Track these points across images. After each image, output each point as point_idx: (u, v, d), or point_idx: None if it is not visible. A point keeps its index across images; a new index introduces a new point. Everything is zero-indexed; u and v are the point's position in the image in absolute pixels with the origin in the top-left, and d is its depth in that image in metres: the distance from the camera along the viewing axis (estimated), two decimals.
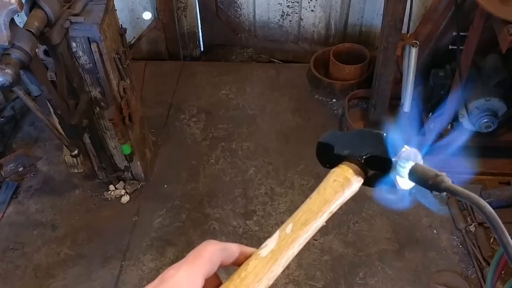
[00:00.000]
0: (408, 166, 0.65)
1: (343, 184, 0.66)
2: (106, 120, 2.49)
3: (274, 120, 3.32)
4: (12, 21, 1.76)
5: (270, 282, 0.59)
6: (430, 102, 2.98)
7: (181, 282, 0.53)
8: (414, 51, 2.70)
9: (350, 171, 0.67)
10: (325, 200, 0.64)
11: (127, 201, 2.86)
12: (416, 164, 0.66)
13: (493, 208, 0.59)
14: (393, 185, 0.67)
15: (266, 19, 3.74)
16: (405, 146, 0.66)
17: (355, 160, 0.68)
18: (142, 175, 2.91)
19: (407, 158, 0.65)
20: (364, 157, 0.67)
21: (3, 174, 2.96)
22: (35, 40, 1.86)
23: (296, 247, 0.61)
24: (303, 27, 3.73)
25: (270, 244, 0.60)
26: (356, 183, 0.67)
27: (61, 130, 2.28)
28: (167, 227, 2.74)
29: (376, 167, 0.67)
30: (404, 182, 0.67)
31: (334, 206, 0.65)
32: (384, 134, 0.67)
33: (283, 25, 3.75)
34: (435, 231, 2.68)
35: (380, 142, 0.67)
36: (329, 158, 0.71)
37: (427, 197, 0.69)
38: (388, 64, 2.69)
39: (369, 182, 0.69)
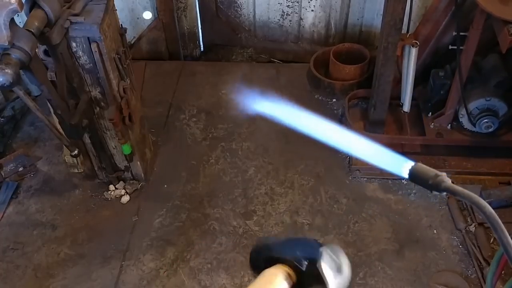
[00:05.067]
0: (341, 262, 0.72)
1: (274, 283, 0.71)
2: (106, 120, 2.49)
3: (274, 120, 3.31)
4: (12, 21, 1.76)
5: None
6: (430, 102, 2.98)
7: None
8: (414, 51, 2.70)
9: (281, 271, 0.73)
10: None
11: (127, 201, 2.86)
12: (416, 164, 0.66)
13: (493, 208, 0.59)
14: (323, 283, 0.71)
15: (266, 19, 3.74)
16: (328, 245, 0.73)
17: (286, 261, 0.74)
18: (142, 175, 2.91)
19: (328, 257, 0.71)
20: (292, 259, 0.73)
21: (3, 174, 2.96)
22: (35, 40, 1.87)
23: None
24: (303, 27, 3.73)
25: None
26: (286, 282, 0.72)
27: (61, 130, 2.28)
28: (167, 227, 2.74)
29: (304, 267, 0.73)
30: (331, 278, 0.71)
31: None
32: (314, 240, 0.75)
33: (283, 25, 3.75)
34: (435, 231, 2.68)
35: (308, 245, 0.74)
36: (262, 262, 0.77)
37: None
38: (388, 64, 2.69)
39: (301, 284, 0.74)
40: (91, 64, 2.27)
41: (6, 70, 1.72)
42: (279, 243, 0.77)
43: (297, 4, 3.60)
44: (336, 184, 2.91)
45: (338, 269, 0.71)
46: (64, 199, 2.89)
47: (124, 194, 2.88)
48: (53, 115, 2.33)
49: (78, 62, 2.26)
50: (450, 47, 2.72)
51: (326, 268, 0.69)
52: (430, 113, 2.99)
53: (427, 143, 2.97)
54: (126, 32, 2.49)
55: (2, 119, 3.31)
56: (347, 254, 2.46)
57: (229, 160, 3.08)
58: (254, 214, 2.78)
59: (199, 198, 2.88)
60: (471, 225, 2.65)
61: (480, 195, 2.67)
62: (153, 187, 2.95)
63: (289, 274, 0.72)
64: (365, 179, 2.93)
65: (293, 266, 0.72)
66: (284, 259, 0.73)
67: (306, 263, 0.72)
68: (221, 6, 3.73)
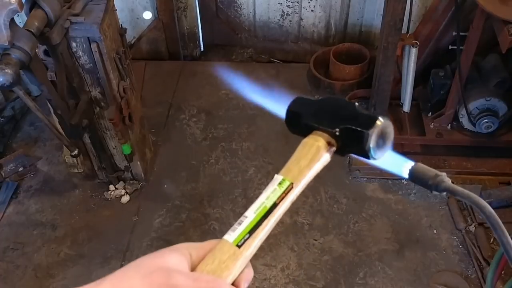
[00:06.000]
0: (387, 138, 0.66)
1: (315, 156, 0.67)
2: (106, 120, 2.49)
3: (274, 120, 3.30)
4: (12, 21, 1.76)
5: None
6: (430, 102, 2.98)
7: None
8: (414, 51, 2.70)
9: (323, 141, 0.67)
10: (299, 173, 0.65)
11: (127, 201, 2.86)
12: (416, 164, 0.66)
13: (493, 208, 0.59)
14: (365, 156, 0.66)
15: (266, 19, 3.74)
16: (379, 118, 0.66)
17: (328, 131, 0.68)
18: (142, 175, 2.91)
19: (381, 130, 0.65)
20: (337, 130, 0.67)
21: (3, 174, 2.96)
22: (35, 40, 1.86)
23: (273, 220, 0.62)
24: (303, 27, 3.73)
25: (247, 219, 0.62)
26: (328, 153, 0.67)
27: (61, 130, 2.28)
28: (167, 227, 2.74)
29: (350, 138, 0.66)
30: (378, 154, 0.66)
31: (308, 178, 0.66)
32: (356, 104, 0.68)
33: (283, 25, 3.75)
34: (435, 231, 2.68)
35: (353, 114, 0.67)
36: (300, 127, 0.71)
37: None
38: (388, 64, 2.69)
39: (341, 151, 0.69)
40: (91, 64, 2.27)
41: (6, 70, 1.72)
42: (317, 107, 0.70)
43: (297, 4, 3.60)
44: (336, 184, 2.91)
45: (383, 143, 0.66)
46: (64, 199, 2.89)
47: (124, 194, 2.88)
48: (53, 115, 2.32)
49: (78, 62, 2.26)
50: (450, 47, 2.72)
51: (373, 144, 0.64)
52: (430, 113, 2.99)
53: (427, 143, 2.98)
54: (126, 32, 2.48)
55: (2, 119, 3.31)
56: (347, 254, 2.47)
57: (229, 160, 3.08)
58: None
59: (199, 198, 2.88)
60: (471, 225, 2.65)
61: (480, 195, 2.66)
62: (153, 187, 2.95)
63: (330, 144, 0.67)
64: (365, 179, 2.93)
65: (335, 135, 0.66)
66: (325, 129, 0.67)
67: (349, 130, 0.65)
68: (221, 6, 3.72)
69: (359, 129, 0.64)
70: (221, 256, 0.58)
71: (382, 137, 0.65)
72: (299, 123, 0.71)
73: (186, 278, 0.54)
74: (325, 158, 0.67)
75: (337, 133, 0.66)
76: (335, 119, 0.67)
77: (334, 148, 0.68)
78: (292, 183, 0.64)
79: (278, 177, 0.65)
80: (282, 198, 0.62)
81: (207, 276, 0.57)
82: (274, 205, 0.62)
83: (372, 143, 0.64)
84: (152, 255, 0.57)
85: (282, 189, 0.63)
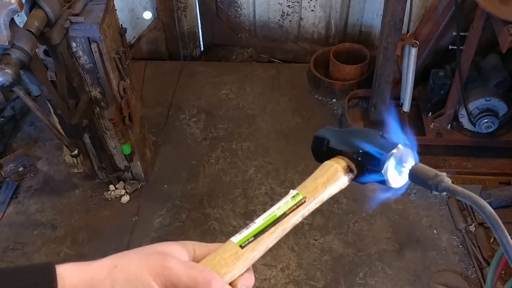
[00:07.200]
0: (406, 166, 0.66)
1: (332, 176, 0.68)
2: (106, 120, 2.49)
3: (274, 120, 3.32)
4: (12, 21, 1.76)
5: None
6: (430, 102, 2.98)
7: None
8: (414, 51, 2.70)
9: (343, 164, 0.69)
10: (314, 190, 0.66)
11: (127, 201, 2.86)
12: (416, 164, 0.66)
13: (493, 208, 0.59)
14: (384, 183, 0.68)
15: (266, 19, 3.74)
16: (399, 145, 0.67)
17: (348, 155, 0.69)
18: (142, 175, 2.91)
19: (399, 157, 0.66)
20: (357, 153, 0.68)
21: (3, 174, 2.96)
22: (35, 40, 1.87)
23: (281, 231, 0.63)
24: (303, 27, 3.73)
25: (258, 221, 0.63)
26: (346, 176, 0.69)
27: (61, 130, 2.28)
28: (167, 227, 2.74)
29: (369, 163, 0.68)
30: (396, 180, 0.67)
31: (323, 197, 0.67)
32: (380, 133, 0.70)
33: (283, 25, 3.75)
34: (435, 231, 2.68)
35: (374, 140, 0.68)
36: (323, 153, 0.72)
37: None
38: (388, 64, 2.69)
39: (360, 178, 0.70)
40: (91, 64, 2.27)
41: (6, 70, 1.72)
42: (341, 134, 0.73)
43: (297, 4, 3.60)
44: None
45: (401, 170, 0.67)
46: (64, 199, 2.89)
47: (124, 194, 2.88)
48: (53, 115, 2.33)
49: (78, 62, 2.26)
50: (450, 47, 2.72)
51: (391, 169, 0.65)
52: (430, 113, 2.99)
53: (427, 143, 2.98)
54: (126, 32, 2.48)
55: (2, 119, 3.31)
56: (347, 254, 2.46)
57: (229, 160, 3.08)
58: (254, 214, 2.78)
59: (199, 198, 2.88)
60: (471, 225, 2.65)
61: (480, 195, 2.66)
62: (153, 187, 2.95)
63: (349, 168, 0.68)
64: None
65: (354, 159, 0.68)
66: (346, 152, 0.69)
67: (367, 158, 0.67)
68: (221, 6, 3.72)
69: (377, 152, 0.66)
70: (223, 254, 0.59)
71: (400, 163, 0.67)
72: (323, 148, 0.72)
73: (181, 263, 0.56)
74: (342, 180, 0.68)
75: (357, 156, 0.68)
76: (357, 144, 0.69)
77: (352, 174, 0.69)
78: (305, 197, 0.65)
79: (292, 192, 0.66)
80: (293, 210, 0.64)
81: (202, 266, 0.58)
82: (284, 215, 0.63)
83: (389, 167, 0.66)
84: (156, 244, 0.60)
85: (294, 202, 0.64)
